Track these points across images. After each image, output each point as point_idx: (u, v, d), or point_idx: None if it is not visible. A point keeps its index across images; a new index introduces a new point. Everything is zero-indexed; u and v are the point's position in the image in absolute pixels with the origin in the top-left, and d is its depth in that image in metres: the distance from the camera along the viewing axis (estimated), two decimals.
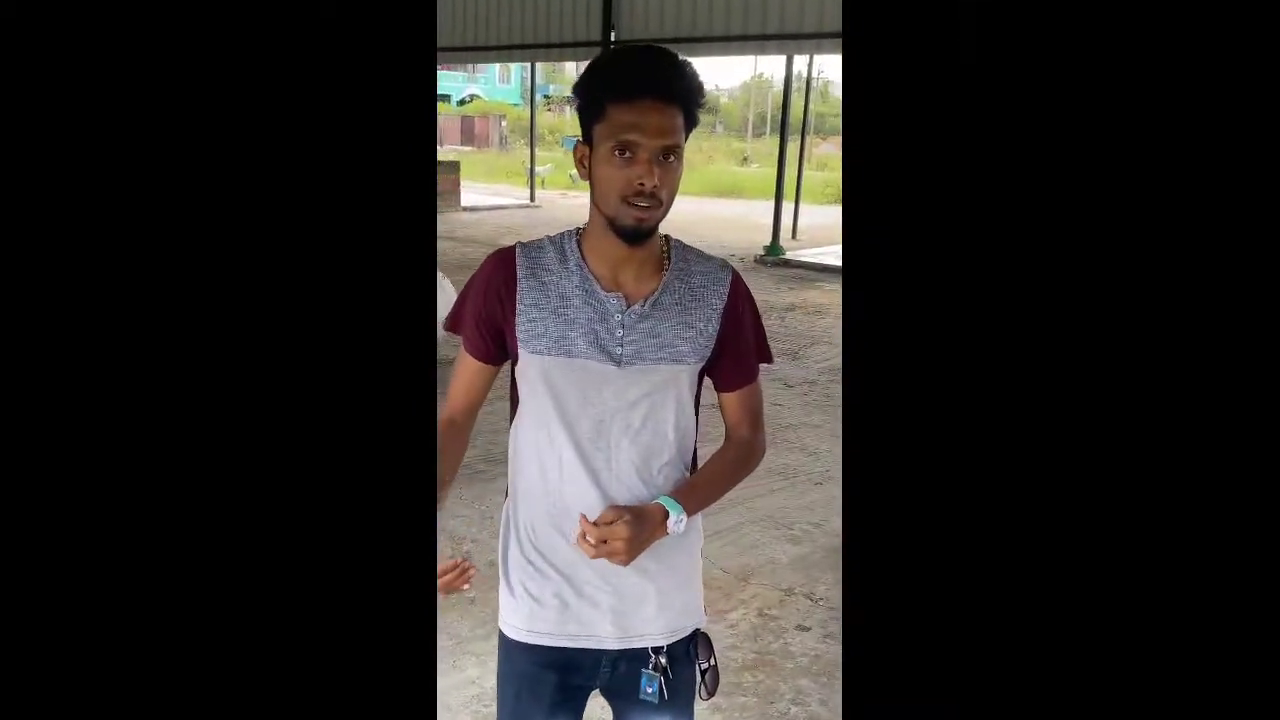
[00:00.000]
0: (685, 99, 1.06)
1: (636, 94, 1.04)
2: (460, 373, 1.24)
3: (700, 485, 1.20)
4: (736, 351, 1.22)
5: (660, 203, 1.07)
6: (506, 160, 24.75)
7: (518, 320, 1.15)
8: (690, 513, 1.15)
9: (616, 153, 1.05)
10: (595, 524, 1.07)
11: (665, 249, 1.19)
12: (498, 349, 1.20)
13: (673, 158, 1.07)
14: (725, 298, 1.19)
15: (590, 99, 1.08)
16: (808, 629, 2.73)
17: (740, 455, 1.25)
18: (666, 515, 1.11)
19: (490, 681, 2.33)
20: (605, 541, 1.05)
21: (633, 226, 1.08)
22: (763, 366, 1.28)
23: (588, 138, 1.10)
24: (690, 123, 1.09)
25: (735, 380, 1.24)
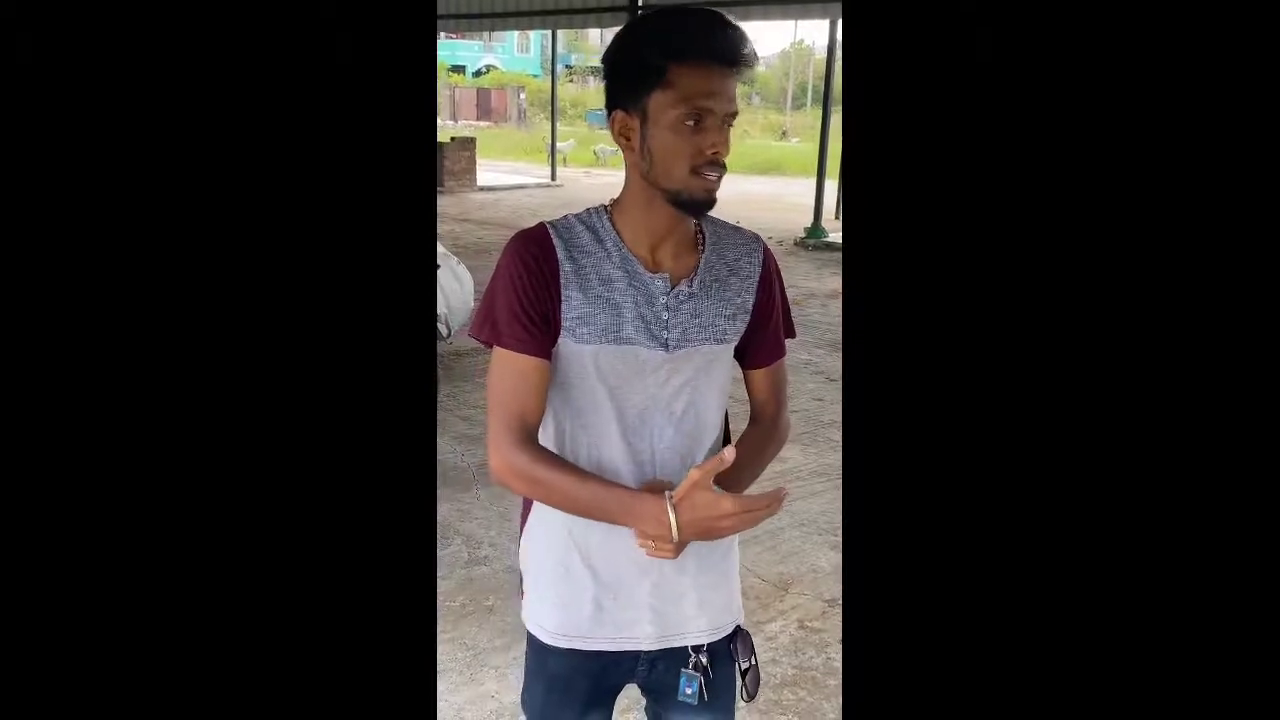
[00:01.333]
0: (747, 65, 1.06)
1: (707, 57, 1.03)
2: (509, 381, 1.13)
3: (732, 471, 1.19)
4: (769, 325, 1.24)
5: (725, 171, 1.09)
6: (526, 136, 24.81)
7: (563, 306, 1.12)
8: None
9: (689, 121, 1.04)
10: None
11: (697, 223, 1.19)
12: (550, 340, 1.13)
13: (729, 125, 1.08)
14: (759, 270, 1.22)
15: (644, 63, 1.05)
16: None
17: (769, 436, 1.27)
18: None
19: (510, 696, 2.34)
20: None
21: (704, 199, 1.09)
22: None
23: (634, 106, 1.07)
24: None
25: (767, 355, 1.26)
